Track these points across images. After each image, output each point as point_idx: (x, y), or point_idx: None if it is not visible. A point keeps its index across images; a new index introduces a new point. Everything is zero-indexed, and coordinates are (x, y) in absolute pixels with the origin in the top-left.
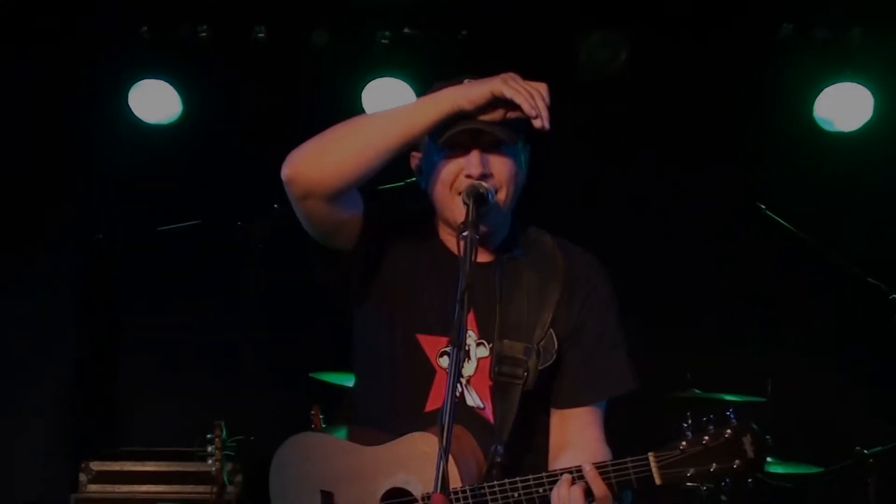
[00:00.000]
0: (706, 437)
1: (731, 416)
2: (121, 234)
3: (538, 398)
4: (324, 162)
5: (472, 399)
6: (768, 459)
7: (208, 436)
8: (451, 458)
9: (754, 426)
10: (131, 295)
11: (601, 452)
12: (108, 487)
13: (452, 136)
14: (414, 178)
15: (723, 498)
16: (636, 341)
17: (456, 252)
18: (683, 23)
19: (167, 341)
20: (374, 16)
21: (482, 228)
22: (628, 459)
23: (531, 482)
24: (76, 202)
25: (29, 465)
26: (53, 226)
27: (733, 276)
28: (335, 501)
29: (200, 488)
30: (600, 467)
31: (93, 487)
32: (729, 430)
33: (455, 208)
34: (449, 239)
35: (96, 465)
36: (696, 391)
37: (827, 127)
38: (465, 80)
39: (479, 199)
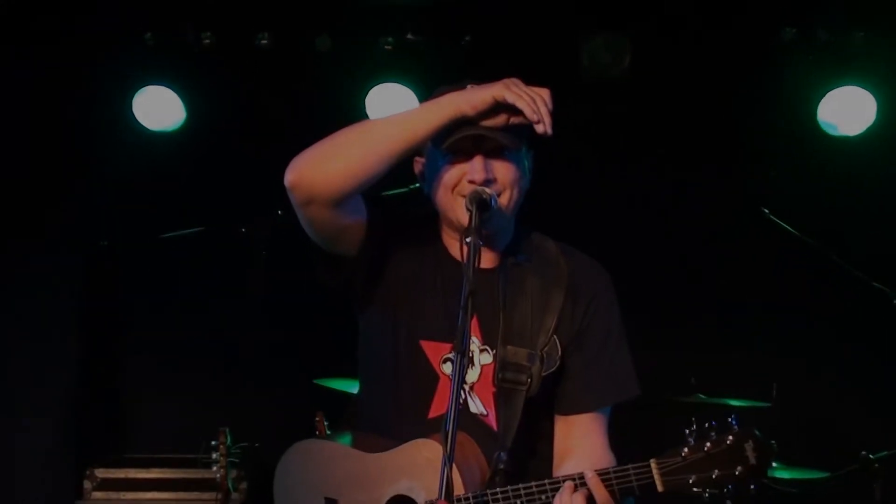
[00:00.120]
0: (708, 444)
1: (734, 422)
2: (125, 240)
3: (542, 404)
4: (327, 167)
5: (476, 406)
6: (773, 464)
7: (213, 442)
8: (454, 465)
9: (756, 432)
10: (135, 299)
11: (605, 458)
12: (113, 495)
13: (455, 141)
14: (417, 185)
15: (728, 503)
16: (639, 345)
17: (459, 258)
18: (685, 26)
19: (171, 346)
20: (378, 21)
21: (485, 234)
22: (630, 466)
23: (534, 489)
24: (79, 206)
25: (32, 470)
26: (57, 229)
27: (737, 280)
28: None
29: (205, 495)
30: (602, 474)
31: (97, 495)
32: (731, 437)
33: (458, 213)
34: (452, 244)
35: (101, 473)
36: (701, 396)
37: (831, 131)
38: (469, 85)
39: (482, 205)
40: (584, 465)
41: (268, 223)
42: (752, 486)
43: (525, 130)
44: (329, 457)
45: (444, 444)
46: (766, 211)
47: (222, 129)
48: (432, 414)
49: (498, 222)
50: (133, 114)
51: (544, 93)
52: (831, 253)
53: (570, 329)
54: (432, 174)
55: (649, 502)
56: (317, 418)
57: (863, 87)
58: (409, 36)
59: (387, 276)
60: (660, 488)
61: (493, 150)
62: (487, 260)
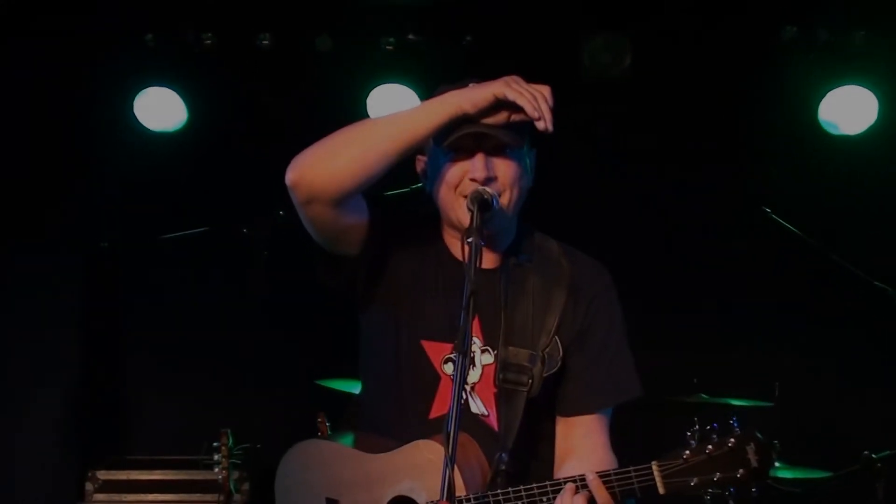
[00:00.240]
0: (710, 446)
1: (735, 424)
2: (126, 240)
3: (543, 405)
4: (328, 166)
5: (477, 406)
6: (776, 465)
7: (215, 444)
8: (455, 465)
9: (758, 435)
10: (136, 299)
11: (607, 460)
12: (115, 497)
13: (456, 139)
14: (419, 185)
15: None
16: (641, 345)
17: (461, 258)
18: (685, 26)
19: (172, 347)
20: (379, 21)
21: (487, 233)
22: (631, 468)
23: (535, 491)
24: (80, 206)
25: (33, 472)
26: (57, 229)
27: (738, 279)
28: None
29: (207, 497)
30: (603, 476)
31: (99, 497)
32: (732, 439)
33: (460, 212)
34: (454, 244)
35: (103, 475)
36: (703, 396)
37: (832, 130)
38: (470, 83)
39: (483, 205)
40: (585, 467)
41: (269, 223)
42: (753, 489)
43: (526, 128)
44: (330, 457)
45: (446, 445)
46: (768, 210)
47: (223, 129)
48: (433, 414)
49: (499, 222)
50: (134, 114)
51: (545, 90)
52: (832, 252)
53: (572, 329)
54: (434, 172)
55: None
56: (318, 419)
57: (864, 87)
58: (410, 36)
59: (388, 275)
60: (661, 490)
61: (494, 149)
62: (489, 260)
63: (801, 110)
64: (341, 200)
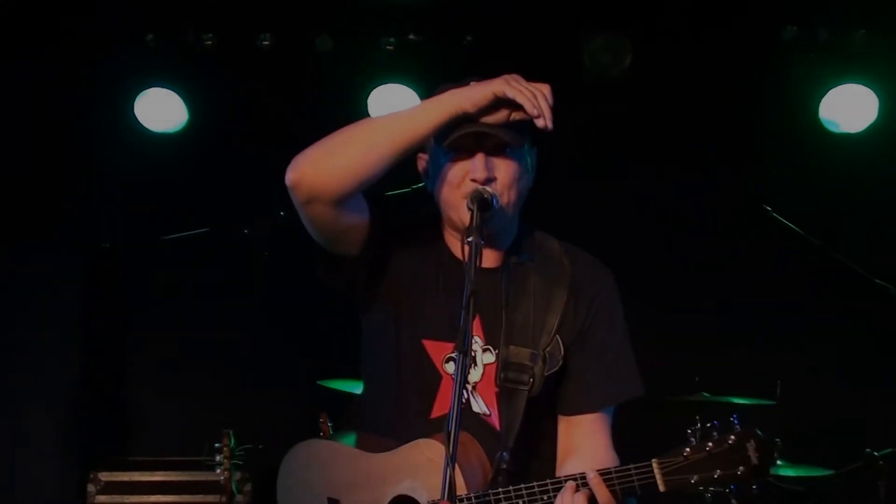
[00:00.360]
0: (710, 444)
1: (736, 421)
2: (127, 240)
3: (544, 404)
4: (328, 165)
5: (478, 405)
6: (778, 462)
7: (216, 445)
8: (456, 464)
9: (759, 432)
10: (137, 300)
11: (608, 459)
12: (117, 498)
13: (456, 139)
14: (420, 185)
15: (732, 501)
16: (642, 344)
17: (461, 257)
18: (685, 26)
19: (173, 348)
20: (379, 21)
21: (487, 233)
22: (632, 466)
23: (536, 489)
24: (80, 207)
25: (35, 474)
26: (58, 230)
27: (739, 278)
28: None
29: (209, 498)
30: (604, 474)
31: (101, 498)
32: (733, 437)
33: (460, 212)
34: (455, 243)
35: (105, 476)
36: (705, 394)
37: (832, 129)
38: (471, 82)
39: (483, 205)
40: (586, 465)
41: (269, 223)
42: (754, 486)
43: (527, 127)
44: (331, 457)
45: (447, 444)
46: (769, 209)
47: (224, 130)
48: (435, 414)
49: (499, 221)
50: (135, 115)
51: (545, 88)
52: (833, 251)
53: (573, 328)
54: (435, 172)
55: (651, 502)
56: (320, 419)
57: (864, 85)
58: (411, 36)
59: (389, 275)
60: (662, 488)
61: (494, 148)
62: (490, 259)
63: (802, 110)
64: (341, 200)
